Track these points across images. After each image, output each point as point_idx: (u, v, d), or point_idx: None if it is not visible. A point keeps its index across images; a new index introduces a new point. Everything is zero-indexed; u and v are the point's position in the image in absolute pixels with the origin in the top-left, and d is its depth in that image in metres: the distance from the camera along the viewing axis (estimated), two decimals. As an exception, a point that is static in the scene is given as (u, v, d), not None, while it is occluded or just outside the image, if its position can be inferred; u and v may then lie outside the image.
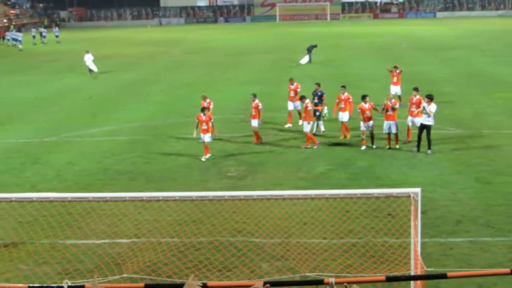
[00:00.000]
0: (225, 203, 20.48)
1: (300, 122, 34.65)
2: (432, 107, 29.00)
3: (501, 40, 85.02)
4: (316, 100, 33.30)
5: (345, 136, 32.40)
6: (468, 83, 49.49)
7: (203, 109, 30.22)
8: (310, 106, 30.97)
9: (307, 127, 30.91)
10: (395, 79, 39.96)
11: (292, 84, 36.09)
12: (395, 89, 39.04)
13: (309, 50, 66.22)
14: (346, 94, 32.73)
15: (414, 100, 30.77)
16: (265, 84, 51.13)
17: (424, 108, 29.03)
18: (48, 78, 60.38)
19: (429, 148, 29.40)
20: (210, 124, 29.86)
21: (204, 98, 32.65)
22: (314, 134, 32.19)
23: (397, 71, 40.04)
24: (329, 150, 30.52)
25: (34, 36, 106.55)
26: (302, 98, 32.05)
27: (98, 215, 21.29)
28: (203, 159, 29.66)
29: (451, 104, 40.46)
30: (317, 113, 32.74)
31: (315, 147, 30.83)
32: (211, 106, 32.32)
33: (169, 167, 28.63)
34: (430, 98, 29.22)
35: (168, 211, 21.00)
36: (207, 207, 20.39)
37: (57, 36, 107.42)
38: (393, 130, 30.09)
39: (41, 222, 19.94)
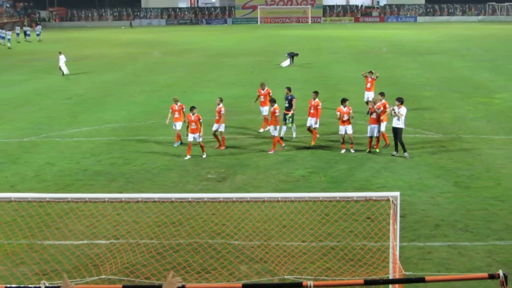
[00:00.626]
0: (204, 205, 20.48)
1: (263, 129, 34.78)
2: (402, 110, 29.10)
3: (481, 45, 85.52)
4: (286, 104, 32.96)
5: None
6: (449, 87, 49.70)
7: (192, 109, 30.27)
8: (278, 112, 30.88)
9: (274, 131, 30.85)
10: (368, 85, 38.83)
11: (263, 89, 35.39)
12: (368, 95, 38.03)
13: (290, 56, 66.37)
14: (316, 100, 32.09)
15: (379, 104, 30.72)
16: (246, 86, 51.18)
17: (393, 110, 29.12)
18: (28, 78, 60.13)
19: (404, 151, 29.49)
20: (199, 124, 30.06)
21: (175, 101, 32.41)
22: (281, 138, 32.09)
23: (372, 76, 39.00)
24: (309, 154, 30.54)
25: (18, 34, 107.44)
26: (272, 102, 31.75)
27: (77, 216, 21.22)
28: (204, 156, 30.19)
29: (431, 109, 40.65)
30: (287, 117, 32.60)
31: (280, 150, 30.91)
32: (183, 110, 32.24)
33: (148, 169, 28.56)
34: (400, 101, 29.33)
35: (147, 213, 20.98)
36: (186, 209, 20.34)
37: (38, 35, 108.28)
38: (375, 134, 30.15)
39: (19, 223, 19.85)
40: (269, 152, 30.68)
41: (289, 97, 33.10)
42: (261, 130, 35.02)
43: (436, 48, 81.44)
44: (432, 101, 43.47)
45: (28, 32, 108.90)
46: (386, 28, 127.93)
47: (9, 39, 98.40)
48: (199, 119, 30.02)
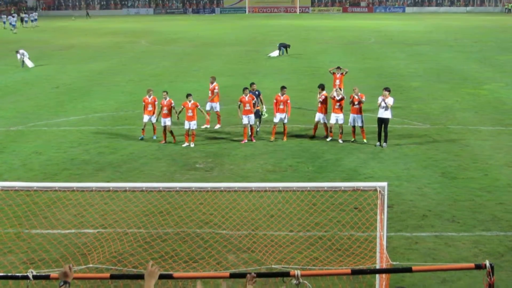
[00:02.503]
0: (192, 194, 20.48)
1: (218, 126, 33.80)
2: (390, 100, 29.18)
3: (469, 36, 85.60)
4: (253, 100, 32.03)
5: (277, 135, 31.56)
6: (436, 78, 49.80)
7: (188, 96, 30.40)
8: (254, 99, 31.17)
9: (252, 120, 31.12)
10: (337, 82, 36.42)
11: (211, 84, 34.21)
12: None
13: (282, 47, 66.34)
14: (285, 95, 31.50)
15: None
16: (233, 76, 51.15)
17: (383, 100, 29.18)
18: (15, 67, 59.85)
19: (385, 141, 29.64)
20: (196, 112, 30.41)
21: (148, 92, 31.75)
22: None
23: (340, 73, 37.22)
24: (297, 143, 30.57)
25: (15, 22, 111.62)
26: (245, 90, 31.36)
27: (64, 205, 21.17)
28: (192, 145, 30.26)
29: (419, 99, 40.72)
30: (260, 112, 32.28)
31: (242, 142, 30.99)
32: (156, 102, 31.55)
33: (136, 158, 28.53)
34: (388, 90, 29.44)
35: (135, 202, 20.94)
36: (174, 198, 20.35)
37: (34, 20, 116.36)
38: (359, 123, 30.25)
39: (6, 211, 19.78)
40: (253, 141, 30.79)
41: (257, 92, 32.49)
42: (217, 126, 33.84)
43: (424, 39, 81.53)
44: (420, 92, 43.55)
45: (26, 19, 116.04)
46: (374, 18, 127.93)
47: (14, 25, 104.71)
48: (196, 107, 30.13)
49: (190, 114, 30.07)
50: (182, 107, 30.49)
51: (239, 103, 31.15)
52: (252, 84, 33.21)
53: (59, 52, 72.16)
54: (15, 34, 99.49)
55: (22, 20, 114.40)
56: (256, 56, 66.06)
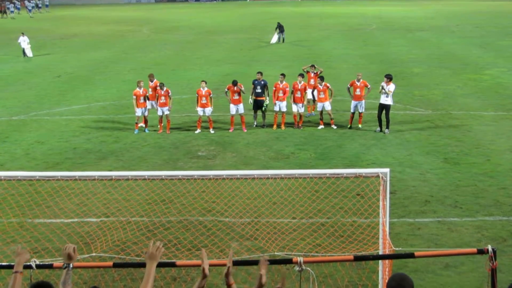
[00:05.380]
0: (194, 182, 20.50)
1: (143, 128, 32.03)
2: (391, 87, 29.20)
3: (471, 21, 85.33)
4: (259, 90, 31.47)
5: (278, 127, 31.42)
6: (438, 64, 49.69)
7: (202, 82, 30.92)
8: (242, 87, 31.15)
9: (241, 109, 31.30)
10: (312, 81, 33.38)
11: (151, 81, 32.33)
12: (311, 93, 32.69)
13: (280, 29, 66.17)
14: (284, 82, 31.37)
15: (321, 87, 31.11)
16: (235, 64, 51.10)
17: (382, 87, 29.21)
18: (16, 56, 59.79)
19: (387, 127, 29.68)
20: (210, 99, 30.59)
21: (139, 84, 30.96)
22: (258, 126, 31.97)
23: (315, 71, 33.98)
24: (299, 131, 30.58)
25: (30, 10, 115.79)
26: (234, 81, 31.34)
27: (67, 194, 21.19)
28: (212, 131, 30.69)
29: (421, 85, 40.65)
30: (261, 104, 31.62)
31: (230, 131, 31.11)
32: (147, 94, 31.09)
33: (138, 146, 28.54)
34: (389, 78, 29.48)
35: (138, 190, 20.96)
36: (177, 186, 20.34)
37: (47, 6, 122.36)
38: (360, 109, 30.35)
39: (9, 201, 19.84)
40: (244, 131, 30.87)
41: (262, 82, 31.60)
42: (142, 127, 31.91)
43: (425, 25, 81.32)
44: (422, 78, 43.48)
45: (40, 5, 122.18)
46: (376, 4, 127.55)
47: (29, 10, 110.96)
48: (209, 94, 30.25)
49: (204, 101, 30.21)
50: (197, 95, 30.62)
51: (226, 90, 31.44)
52: (258, 73, 32.18)
53: (60, 41, 72.04)
54: (17, 23, 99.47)
55: (37, 6, 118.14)
56: (258, 43, 65.96)
